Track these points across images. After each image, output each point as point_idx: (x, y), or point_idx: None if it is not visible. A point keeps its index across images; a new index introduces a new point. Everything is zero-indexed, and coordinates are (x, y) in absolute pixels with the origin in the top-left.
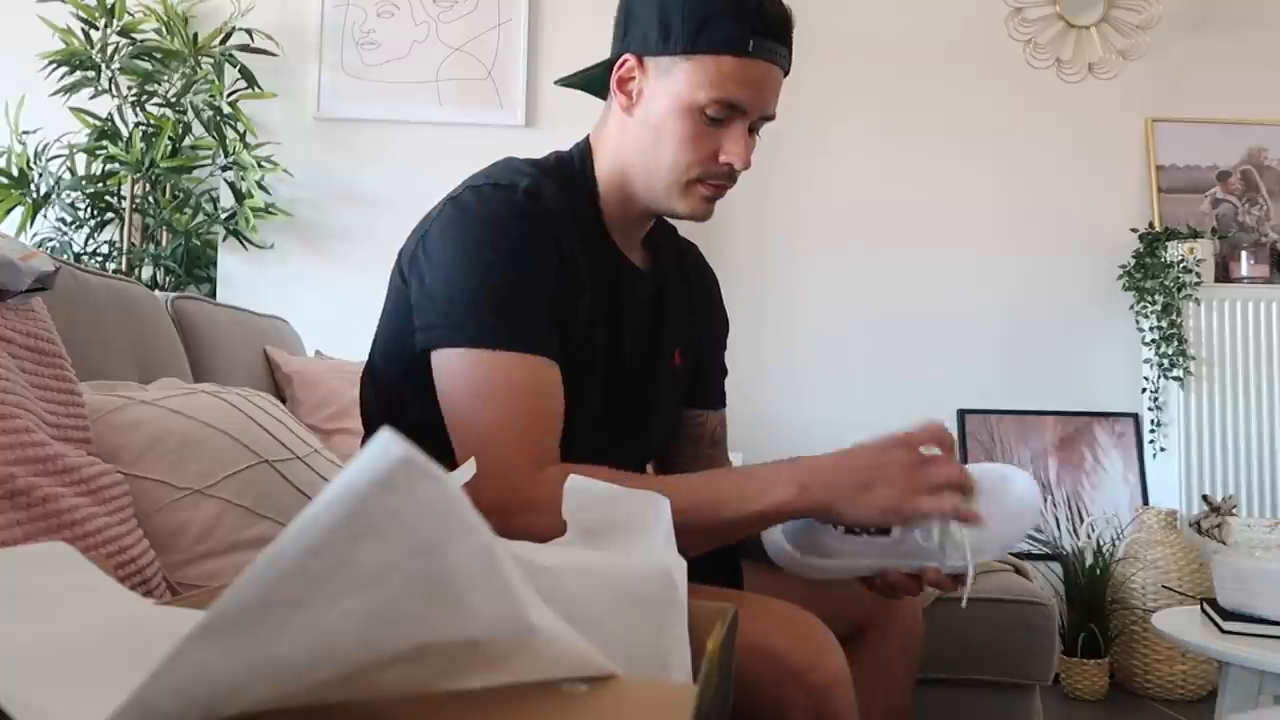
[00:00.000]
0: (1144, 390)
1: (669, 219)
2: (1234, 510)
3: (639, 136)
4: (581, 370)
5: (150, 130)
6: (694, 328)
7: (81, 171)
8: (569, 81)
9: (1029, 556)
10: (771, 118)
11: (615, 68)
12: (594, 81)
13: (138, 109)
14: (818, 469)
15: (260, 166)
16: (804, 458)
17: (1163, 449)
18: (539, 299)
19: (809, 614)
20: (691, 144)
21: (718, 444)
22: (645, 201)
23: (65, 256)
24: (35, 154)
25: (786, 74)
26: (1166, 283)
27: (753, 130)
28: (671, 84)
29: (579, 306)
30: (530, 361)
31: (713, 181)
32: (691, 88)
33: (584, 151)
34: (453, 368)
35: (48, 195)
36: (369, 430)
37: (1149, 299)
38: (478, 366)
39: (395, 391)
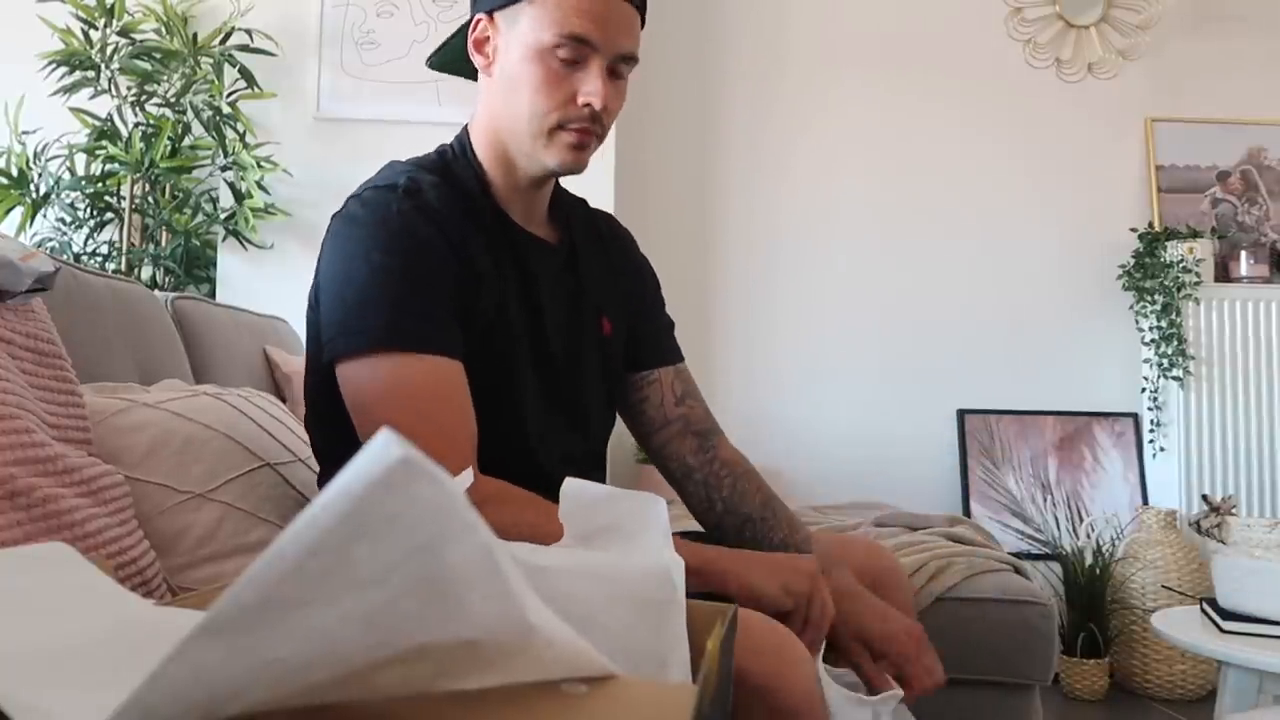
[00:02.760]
0: (1144, 390)
1: (558, 178)
2: (1233, 510)
3: (501, 93)
4: (508, 354)
5: (150, 130)
6: (622, 293)
7: (81, 171)
8: (438, 63)
9: (1029, 557)
10: (633, 58)
11: (470, 31)
12: (459, 56)
13: (137, 109)
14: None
15: (260, 166)
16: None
17: (1162, 449)
18: (434, 293)
19: (778, 625)
20: (547, 88)
21: (685, 399)
22: (522, 164)
23: (65, 256)
24: (35, 154)
25: (640, 10)
26: (1166, 283)
27: (618, 75)
28: (520, 31)
29: (481, 292)
30: (431, 362)
31: (574, 126)
32: (538, 29)
33: (463, 139)
34: (356, 376)
35: (47, 195)
36: (321, 462)
37: (1149, 299)
38: (379, 371)
39: (331, 418)
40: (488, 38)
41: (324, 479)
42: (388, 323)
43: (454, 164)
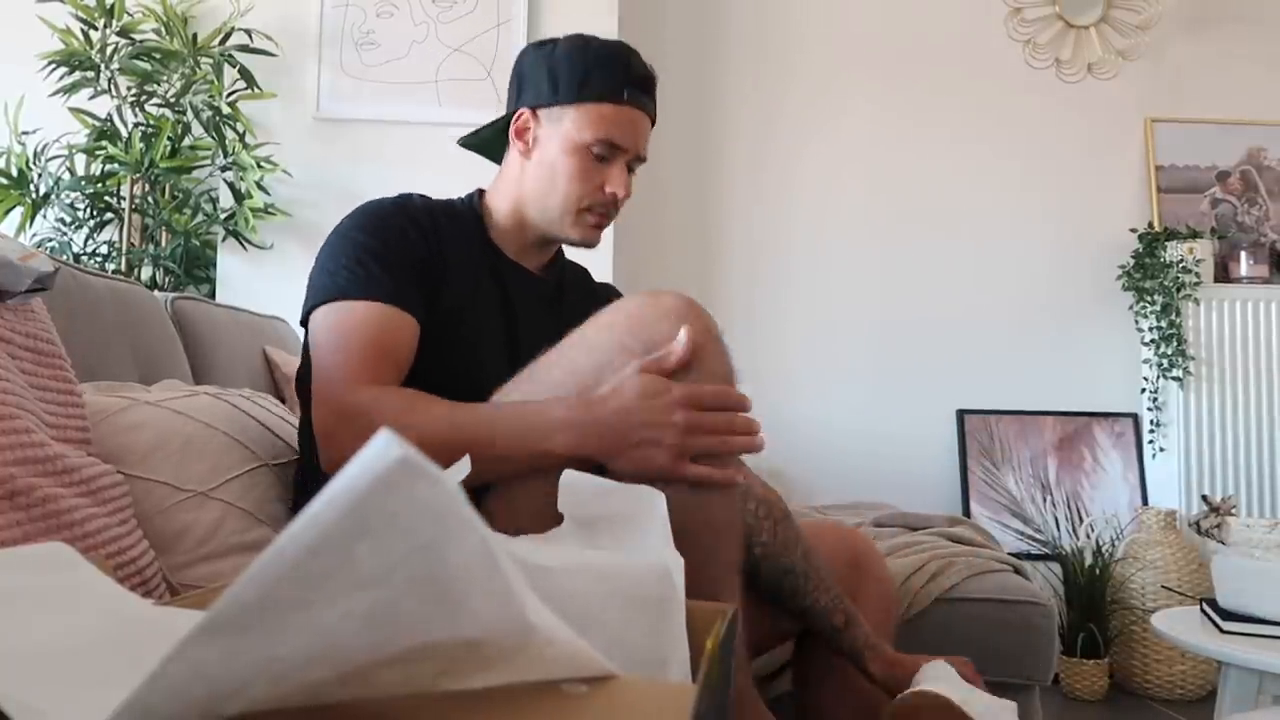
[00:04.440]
0: (1143, 390)
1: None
2: (1233, 510)
3: (536, 175)
4: (473, 358)
5: (149, 130)
6: None
7: (81, 172)
8: (468, 142)
9: (1029, 557)
10: (644, 159)
11: (513, 120)
12: (490, 144)
13: (137, 109)
14: (597, 421)
15: (260, 167)
16: (585, 400)
17: (1162, 449)
18: (400, 264)
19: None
20: (581, 177)
21: None
22: (541, 228)
23: (65, 257)
24: (35, 154)
25: (654, 123)
26: (1166, 283)
27: (630, 170)
28: (562, 128)
29: (449, 280)
30: (379, 308)
31: (599, 210)
32: (579, 129)
33: (473, 196)
34: (314, 325)
35: (47, 195)
36: (302, 464)
37: (1148, 299)
38: (332, 314)
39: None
40: (529, 128)
41: (303, 481)
42: (350, 281)
43: (457, 204)
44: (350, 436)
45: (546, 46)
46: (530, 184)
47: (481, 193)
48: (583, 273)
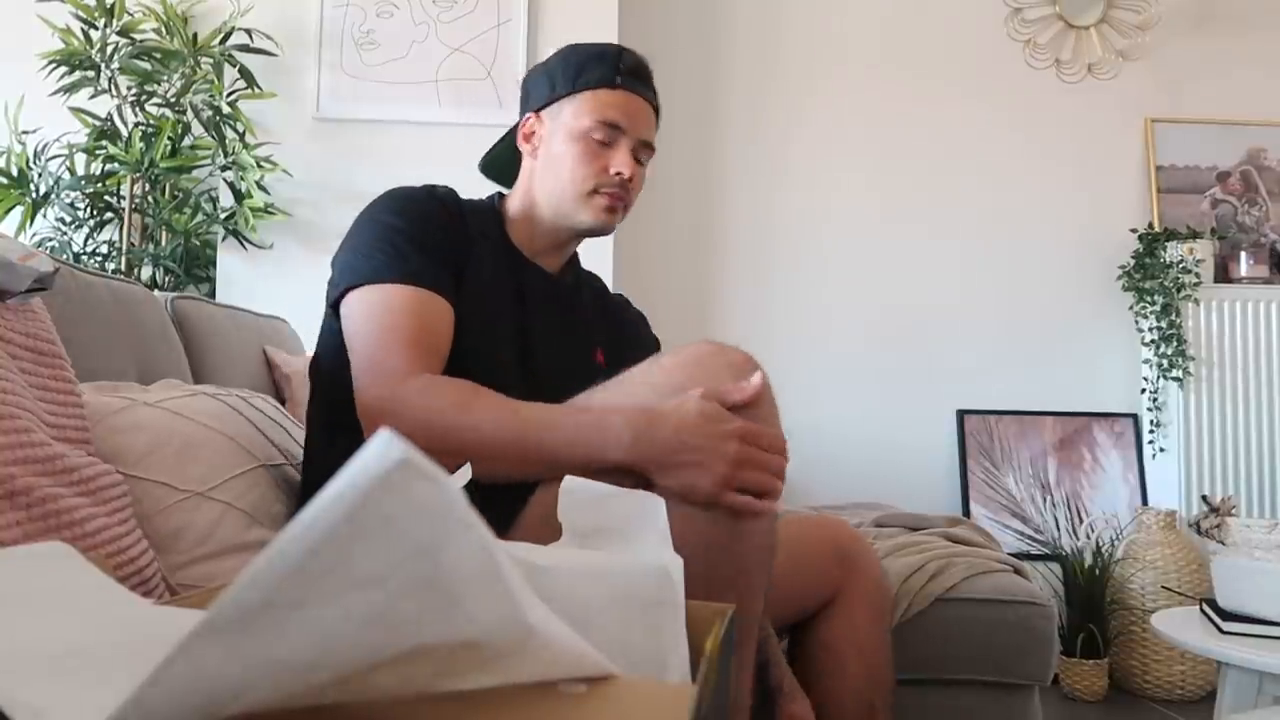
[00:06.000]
0: (1143, 390)
1: (583, 237)
2: (1233, 511)
3: (545, 170)
4: (486, 345)
5: (150, 130)
6: (619, 346)
7: (81, 171)
8: (488, 170)
9: (1029, 557)
10: (651, 147)
11: (520, 128)
12: (508, 167)
13: (137, 109)
14: (651, 435)
15: (260, 166)
16: (647, 412)
17: (1162, 449)
18: (430, 248)
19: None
20: (585, 160)
21: None
22: (554, 221)
23: (65, 256)
24: (35, 154)
25: (658, 112)
26: (1166, 283)
27: (639, 160)
28: (562, 120)
29: (468, 269)
30: (417, 293)
31: (608, 190)
32: (578, 116)
33: (493, 198)
34: (350, 308)
35: (47, 195)
36: (310, 426)
37: (1148, 299)
38: (370, 298)
39: (332, 377)
40: (534, 131)
41: (309, 467)
42: (385, 263)
43: (479, 202)
44: (402, 427)
45: (543, 62)
46: (539, 180)
47: (502, 196)
48: (599, 280)
